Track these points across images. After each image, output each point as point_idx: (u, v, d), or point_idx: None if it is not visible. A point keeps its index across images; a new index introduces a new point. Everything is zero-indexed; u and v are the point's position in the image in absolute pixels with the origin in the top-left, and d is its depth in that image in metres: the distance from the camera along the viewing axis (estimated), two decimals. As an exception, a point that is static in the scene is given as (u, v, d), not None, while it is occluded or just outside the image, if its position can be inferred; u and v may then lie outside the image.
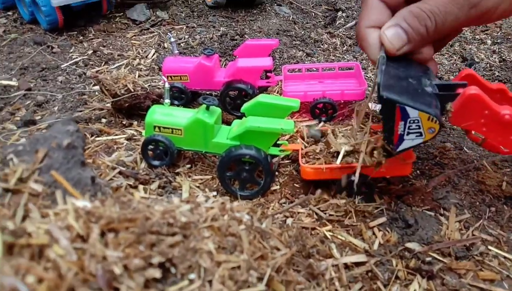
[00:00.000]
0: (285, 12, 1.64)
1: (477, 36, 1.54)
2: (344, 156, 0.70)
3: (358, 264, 0.61)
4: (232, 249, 0.45)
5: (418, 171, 0.82)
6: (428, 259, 0.63)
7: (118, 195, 0.46)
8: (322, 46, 1.40)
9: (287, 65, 1.07)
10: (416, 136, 0.59)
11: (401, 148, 0.62)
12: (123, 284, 0.34)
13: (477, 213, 0.73)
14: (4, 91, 1.10)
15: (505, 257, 0.65)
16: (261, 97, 0.78)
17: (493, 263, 0.64)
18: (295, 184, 0.79)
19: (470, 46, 1.44)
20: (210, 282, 0.40)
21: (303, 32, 1.48)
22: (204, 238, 0.42)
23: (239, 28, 1.48)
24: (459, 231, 0.69)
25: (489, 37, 1.51)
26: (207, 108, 0.77)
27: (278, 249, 0.52)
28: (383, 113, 0.59)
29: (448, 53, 1.39)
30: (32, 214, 0.43)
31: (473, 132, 0.68)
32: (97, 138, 0.90)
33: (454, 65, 1.31)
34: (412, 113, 0.57)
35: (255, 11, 1.64)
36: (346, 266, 0.60)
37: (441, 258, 0.64)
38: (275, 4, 1.70)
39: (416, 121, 0.57)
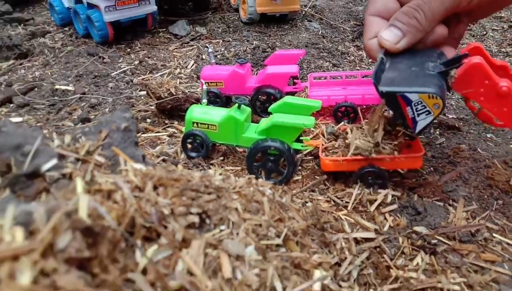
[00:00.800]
0: (315, 27, 1.74)
1: (503, 49, 1.58)
2: (358, 149, 0.78)
3: (367, 240, 0.68)
4: (256, 212, 0.54)
5: (431, 168, 0.89)
6: (434, 241, 0.70)
7: (165, 166, 0.57)
8: (348, 58, 1.48)
9: (313, 73, 1.16)
10: (426, 115, 0.67)
11: (418, 128, 0.70)
12: (170, 223, 0.44)
13: (484, 205, 0.78)
14: (62, 94, 1.25)
15: (508, 244, 0.71)
16: (287, 98, 0.87)
17: (496, 248, 0.69)
18: (316, 176, 0.87)
19: (495, 58, 1.48)
20: (237, 233, 0.50)
21: (331, 45, 1.58)
22: (233, 200, 0.52)
23: (271, 41, 1.60)
24: (466, 220, 0.75)
25: (515, 50, 1.55)
26: (239, 107, 0.87)
27: (296, 221, 0.61)
28: (389, 105, 0.67)
29: (471, 65, 1.44)
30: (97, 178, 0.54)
31: (471, 101, 0.74)
32: (143, 135, 1.02)
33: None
34: (413, 97, 0.65)
35: (286, 26, 1.75)
36: (357, 241, 0.68)
37: (446, 241, 0.70)
38: (306, 20, 1.81)
39: (419, 102, 0.65)
